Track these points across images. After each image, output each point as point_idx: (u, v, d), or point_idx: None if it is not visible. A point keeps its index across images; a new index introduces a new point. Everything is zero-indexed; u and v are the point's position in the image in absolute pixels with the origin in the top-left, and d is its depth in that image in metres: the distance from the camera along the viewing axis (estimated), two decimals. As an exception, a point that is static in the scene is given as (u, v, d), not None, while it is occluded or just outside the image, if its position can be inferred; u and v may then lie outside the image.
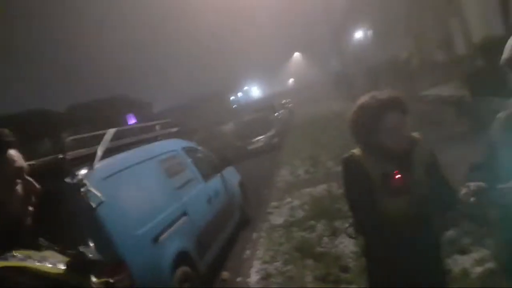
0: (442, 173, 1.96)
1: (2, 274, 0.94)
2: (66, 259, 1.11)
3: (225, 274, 4.93)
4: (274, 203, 7.34)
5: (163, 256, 3.75)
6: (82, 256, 1.13)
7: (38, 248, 1.09)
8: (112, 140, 3.94)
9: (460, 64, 12.01)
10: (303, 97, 38.86)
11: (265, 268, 4.64)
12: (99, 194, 3.34)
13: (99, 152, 3.66)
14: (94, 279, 1.16)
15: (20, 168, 1.09)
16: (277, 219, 6.35)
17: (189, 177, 5.15)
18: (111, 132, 3.98)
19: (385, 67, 17.31)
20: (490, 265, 3.31)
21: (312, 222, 5.62)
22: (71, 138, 3.60)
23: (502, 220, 1.59)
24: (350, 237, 2.07)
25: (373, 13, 21.86)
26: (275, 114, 19.49)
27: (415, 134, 1.96)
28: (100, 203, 3.31)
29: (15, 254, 1.00)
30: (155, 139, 5.33)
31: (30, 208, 1.11)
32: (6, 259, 0.97)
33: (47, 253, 1.10)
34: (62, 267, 1.08)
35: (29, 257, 1.02)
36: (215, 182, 5.82)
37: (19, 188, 1.08)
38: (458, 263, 3.50)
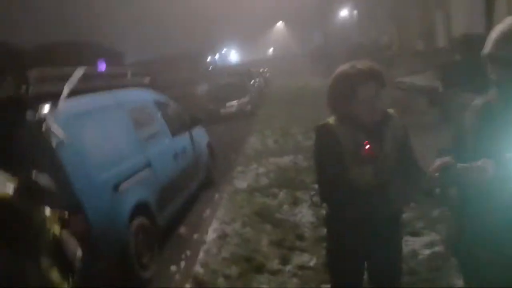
0: (412, 149, 2.01)
1: None
2: (16, 182, 1.04)
3: (182, 230, 4.95)
4: (240, 168, 7.37)
5: (122, 204, 3.69)
6: (35, 182, 1.06)
7: None
8: (80, 81, 3.75)
9: (438, 56, 12.25)
10: (281, 68, 38.58)
11: (223, 228, 4.68)
12: (61, 134, 3.20)
13: (66, 90, 3.48)
14: (47, 210, 1.10)
15: None
16: (241, 184, 6.39)
17: (157, 129, 5.04)
18: (80, 71, 3.79)
19: (365, 49, 17.40)
20: (438, 248, 3.47)
21: (275, 190, 5.69)
22: (37, 70, 3.40)
23: (457, 199, 1.64)
24: (315, 205, 2.09)
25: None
26: (251, 81, 19.32)
27: (390, 110, 1.99)
28: (61, 143, 3.18)
29: None
30: (126, 86, 5.14)
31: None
32: None
33: None
34: (11, 189, 1.01)
35: None
36: (183, 139, 5.74)
37: None
38: (408, 244, 3.64)
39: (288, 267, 3.60)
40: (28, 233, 1.02)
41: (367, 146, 1.78)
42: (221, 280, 3.57)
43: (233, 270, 3.69)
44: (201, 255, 4.11)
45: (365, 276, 2.11)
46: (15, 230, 0.99)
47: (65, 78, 3.60)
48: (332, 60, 17.86)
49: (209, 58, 36.54)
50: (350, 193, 1.83)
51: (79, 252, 1.17)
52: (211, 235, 4.56)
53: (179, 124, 5.87)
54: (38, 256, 1.04)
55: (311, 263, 3.60)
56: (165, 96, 6.14)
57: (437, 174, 1.53)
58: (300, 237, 4.11)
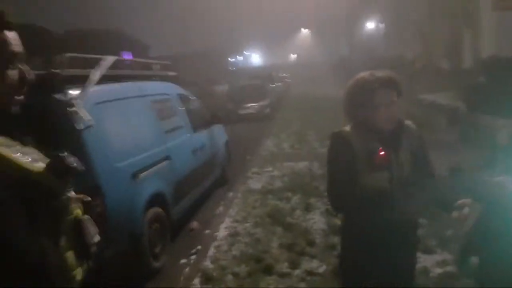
0: (429, 161, 2.00)
1: None
2: (46, 159, 1.07)
3: (194, 224, 4.99)
4: (255, 169, 7.39)
5: (140, 193, 3.75)
6: (65, 160, 1.08)
7: (21, 141, 1.04)
8: (109, 68, 3.83)
9: (463, 76, 12.08)
10: (303, 75, 38.51)
11: (234, 227, 4.71)
12: (87, 118, 3.27)
13: (95, 77, 3.56)
14: (72, 192, 1.11)
15: (15, 53, 1.01)
16: (255, 184, 6.41)
17: (179, 123, 5.10)
18: (110, 59, 3.87)
19: (390, 63, 17.25)
20: (450, 268, 3.43)
21: (289, 194, 5.69)
22: (69, 55, 3.49)
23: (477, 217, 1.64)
24: (330, 214, 2.09)
25: (388, 7, 21.56)
26: (272, 85, 19.35)
27: (408, 121, 2.00)
28: (87, 127, 3.26)
29: None
30: (151, 78, 5.22)
31: (20, 98, 1.04)
32: None
33: (29, 149, 1.06)
34: (41, 165, 1.03)
35: (11, 146, 0.99)
36: (203, 135, 5.80)
37: (11, 73, 1.01)
38: (420, 261, 3.60)
39: (297, 272, 3.60)
40: (52, 212, 1.04)
41: (381, 153, 1.79)
42: (229, 277, 3.59)
43: (242, 269, 3.71)
44: (211, 251, 4.15)
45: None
46: (40, 207, 1.01)
47: (94, 65, 3.69)
48: (355, 72, 17.75)
49: (232, 59, 36.79)
50: (362, 200, 1.83)
51: (96, 238, 1.18)
52: (222, 232, 4.59)
53: (200, 121, 5.93)
54: (58, 236, 1.06)
55: (320, 270, 3.59)
56: (189, 92, 6.21)
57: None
58: (311, 243, 4.11)
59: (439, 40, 16.16)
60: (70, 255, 1.07)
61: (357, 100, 1.90)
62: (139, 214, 3.66)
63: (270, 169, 7.38)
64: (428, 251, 3.76)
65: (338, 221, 2.15)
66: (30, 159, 1.01)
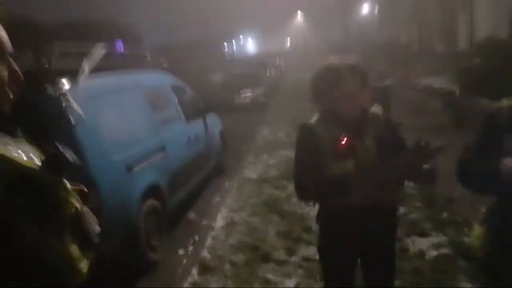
0: (403, 142, 2.01)
1: None
2: (42, 155, 1.06)
3: (191, 215, 5.01)
4: (250, 158, 7.41)
5: (135, 185, 3.74)
6: (61, 154, 1.07)
7: (14, 138, 1.03)
8: (100, 59, 3.79)
9: (458, 59, 12.04)
10: (297, 61, 38.35)
11: (231, 216, 4.73)
12: (80, 111, 3.25)
13: (86, 69, 3.53)
14: (68, 184, 1.11)
15: (5, 51, 0.98)
16: (251, 173, 6.43)
17: (172, 114, 5.08)
18: (101, 49, 3.82)
19: (384, 48, 17.16)
20: (445, 250, 3.47)
21: (284, 182, 5.71)
22: (60, 50, 3.45)
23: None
24: (308, 204, 2.10)
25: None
26: (267, 73, 19.26)
27: (374, 107, 2.01)
28: (79, 120, 3.24)
29: None
30: (144, 68, 5.18)
31: (10, 95, 1.02)
32: None
33: (23, 146, 1.05)
34: (38, 162, 1.03)
35: (7, 144, 0.97)
36: (197, 125, 5.78)
37: (2, 71, 0.98)
38: (416, 244, 3.66)
39: (294, 258, 3.63)
40: (53, 207, 1.04)
41: (345, 141, 1.80)
42: (227, 267, 3.62)
43: (240, 257, 3.74)
44: (208, 240, 4.17)
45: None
46: (40, 203, 1.01)
47: (86, 54, 3.64)
48: (349, 56, 17.67)
49: (226, 47, 36.51)
50: (330, 188, 1.84)
51: (97, 228, 1.19)
52: (219, 221, 4.61)
53: (194, 110, 5.90)
54: (62, 231, 1.06)
55: (317, 256, 3.60)
56: (182, 81, 6.17)
57: None
58: (307, 230, 4.14)
59: (434, 23, 16.05)
60: (74, 249, 1.07)
61: (322, 87, 1.92)
62: (134, 207, 3.66)
63: (266, 157, 7.40)
64: (424, 234, 3.81)
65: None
66: (26, 156, 1.00)
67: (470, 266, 3.13)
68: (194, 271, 3.61)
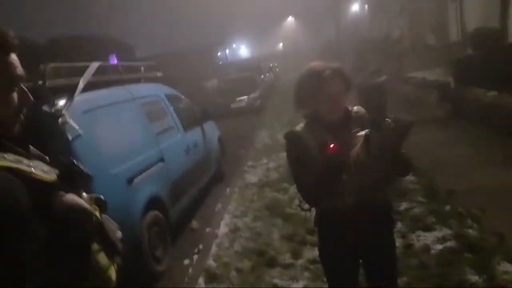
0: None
1: None
2: (55, 169, 1.09)
3: (194, 224, 5.00)
4: (250, 163, 7.40)
5: (136, 198, 3.74)
6: (75, 166, 1.12)
7: (28, 157, 1.07)
8: (95, 74, 3.80)
9: (450, 50, 12.09)
10: (291, 63, 38.46)
11: (234, 222, 4.72)
12: (77, 127, 3.25)
13: (81, 84, 3.53)
14: (84, 194, 1.15)
15: (20, 76, 1.05)
16: (252, 178, 6.42)
17: (170, 124, 5.08)
18: (94, 65, 3.84)
19: (376, 43, 17.21)
20: (450, 243, 3.46)
21: (285, 185, 5.70)
22: (53, 65, 3.44)
23: None
24: (303, 210, 2.10)
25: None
26: (261, 76, 19.29)
27: (357, 107, 2.03)
28: (77, 136, 3.23)
29: (6, 156, 0.98)
30: (139, 80, 5.18)
31: (21, 117, 1.08)
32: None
33: (37, 162, 1.08)
34: (54, 175, 1.06)
35: (20, 162, 1.01)
36: (194, 133, 5.78)
37: (14, 95, 1.05)
38: (420, 239, 3.65)
39: (300, 261, 3.62)
40: (75, 218, 1.07)
41: (332, 145, 1.80)
42: (233, 274, 3.61)
43: (245, 264, 3.73)
44: (213, 248, 4.16)
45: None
46: (64, 216, 1.05)
47: (80, 72, 3.65)
48: (341, 55, 17.74)
49: (219, 53, 36.56)
50: (325, 190, 1.84)
51: (119, 233, 1.23)
52: (223, 229, 4.60)
53: (191, 119, 5.91)
54: (88, 242, 1.10)
55: (322, 258, 3.61)
56: (177, 91, 6.18)
57: None
58: (311, 232, 4.11)
59: (424, 16, 16.12)
60: (102, 257, 1.10)
61: (307, 91, 1.94)
62: (137, 219, 3.65)
63: (265, 161, 7.39)
64: (428, 228, 3.79)
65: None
66: (41, 171, 1.04)
67: (476, 258, 3.13)
68: (201, 280, 3.60)
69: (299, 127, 1.98)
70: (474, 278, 2.93)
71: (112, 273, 1.16)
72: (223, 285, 3.46)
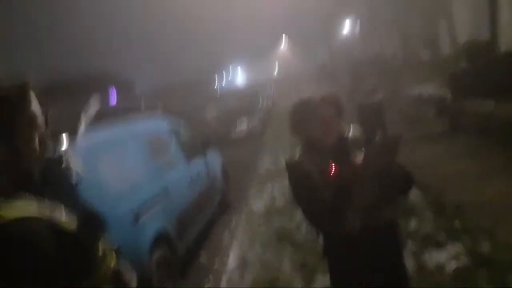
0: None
1: (26, 224, 0.95)
2: (72, 215, 1.11)
3: (203, 258, 4.93)
4: (254, 190, 7.37)
5: (143, 236, 3.70)
6: (96, 215, 1.15)
7: (47, 203, 1.10)
8: (96, 113, 3.84)
9: (444, 64, 12.23)
10: (287, 88, 38.88)
11: (243, 253, 4.65)
12: (80, 168, 3.25)
13: (82, 127, 3.56)
14: (101, 240, 1.17)
15: (41, 123, 1.13)
16: (258, 205, 6.38)
17: (172, 157, 5.09)
18: (96, 106, 3.88)
19: (370, 62, 17.43)
20: (465, 260, 3.40)
21: (292, 211, 5.65)
22: (54, 109, 3.49)
23: None
24: (312, 237, 2.09)
25: (361, 8, 21.95)
26: (259, 103, 19.46)
27: (352, 130, 2.07)
28: (81, 178, 3.23)
29: (31, 203, 1.02)
30: (140, 116, 5.23)
31: (41, 158, 1.16)
32: (22, 207, 0.99)
33: (56, 209, 1.10)
34: (73, 222, 1.08)
35: (43, 209, 1.04)
36: (197, 164, 5.78)
37: (37, 141, 1.12)
38: (433, 257, 3.59)
39: (313, 288, 3.55)
40: (93, 263, 1.09)
41: (330, 170, 1.82)
42: (246, 306, 3.54)
43: (257, 295, 3.66)
44: (223, 282, 4.09)
45: None
46: (81, 261, 1.06)
47: (80, 111, 3.69)
48: (335, 77, 17.96)
49: (216, 82, 37.06)
50: (338, 221, 1.83)
51: (134, 283, 1.24)
52: (232, 261, 4.53)
53: (193, 150, 5.92)
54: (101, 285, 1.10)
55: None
56: (177, 123, 6.23)
57: None
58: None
59: (415, 32, 16.41)
60: None
61: (296, 119, 2.01)
62: (145, 257, 3.60)
63: (270, 187, 7.35)
64: (439, 245, 3.73)
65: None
66: (62, 218, 1.07)
67: (491, 274, 3.07)
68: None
69: (298, 154, 2.00)
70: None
71: None
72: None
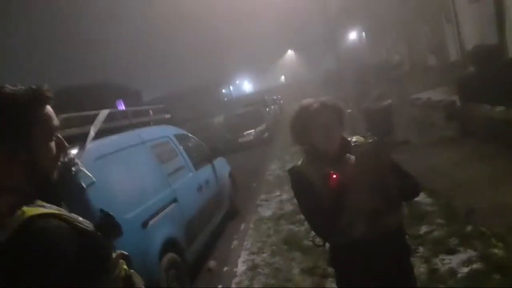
0: (395, 165, 1.97)
1: (48, 219, 0.97)
2: (87, 220, 1.12)
3: (212, 263, 4.91)
4: (263, 196, 7.35)
5: (151, 241, 3.70)
6: (113, 221, 1.16)
7: (59, 204, 1.11)
8: (105, 121, 3.88)
9: (451, 69, 12.16)
10: (293, 95, 38.97)
11: (252, 259, 4.63)
12: (90, 175, 3.28)
13: (92, 132, 3.60)
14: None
15: (56, 126, 1.13)
16: (266, 211, 6.36)
17: (180, 164, 5.11)
18: (104, 113, 3.92)
19: (377, 69, 17.41)
20: (477, 265, 3.35)
21: (301, 216, 5.61)
22: (64, 116, 3.52)
23: None
24: (318, 245, 2.07)
25: (367, 16, 21.99)
26: (266, 109, 19.51)
27: (356, 137, 2.03)
28: (91, 184, 3.26)
29: (49, 206, 1.03)
30: (148, 124, 5.27)
31: (59, 163, 1.15)
32: (45, 207, 1.00)
33: (67, 211, 1.11)
34: (90, 225, 1.09)
35: (60, 210, 1.04)
36: (205, 171, 5.79)
37: (53, 145, 1.11)
38: (445, 262, 3.54)
39: (323, 295, 3.52)
40: (106, 269, 1.10)
41: (334, 177, 1.79)
42: (255, 313, 3.51)
43: (267, 302, 3.63)
44: (233, 287, 4.07)
45: None
46: (98, 261, 1.05)
47: (90, 121, 3.73)
48: (341, 83, 17.94)
49: (223, 90, 37.25)
50: (343, 228, 1.82)
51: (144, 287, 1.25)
52: (241, 267, 4.52)
53: (201, 157, 5.94)
54: None
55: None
56: (185, 131, 6.25)
57: None
58: (332, 263, 4.03)
59: (422, 38, 16.36)
60: None
61: (297, 127, 1.99)
62: (154, 263, 3.60)
63: (278, 193, 7.34)
64: (451, 251, 3.68)
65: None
66: (78, 216, 1.08)
67: (506, 279, 3.01)
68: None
69: (301, 161, 2.00)
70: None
71: None
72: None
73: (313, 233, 2.01)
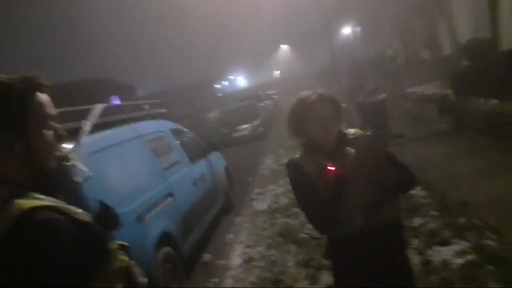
0: (392, 158, 1.99)
1: (44, 211, 0.96)
2: (85, 212, 1.12)
3: (207, 257, 4.93)
4: (258, 190, 7.37)
5: (147, 235, 3.71)
6: (112, 212, 1.16)
7: (57, 196, 1.11)
8: (100, 116, 3.86)
9: (445, 63, 12.21)
10: (289, 89, 38.96)
11: (248, 252, 4.65)
12: (84, 170, 3.26)
13: (87, 127, 3.58)
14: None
15: (52, 115, 1.11)
16: (261, 205, 6.38)
17: (176, 158, 5.10)
18: (99, 107, 3.90)
19: (371, 63, 17.46)
20: (470, 257, 3.39)
21: (296, 209, 5.64)
22: (59, 110, 3.50)
23: None
24: (314, 238, 2.07)
25: (361, 10, 21.97)
26: (261, 104, 19.50)
27: (353, 129, 2.04)
28: (87, 178, 3.25)
29: (45, 197, 1.02)
30: (143, 118, 5.25)
31: (56, 154, 1.14)
32: (40, 199, 0.99)
33: (70, 205, 1.10)
34: (88, 217, 1.08)
35: (58, 203, 1.04)
36: (201, 165, 5.79)
37: (48, 133, 1.09)
38: (439, 254, 3.57)
39: (318, 287, 3.54)
40: (106, 260, 1.10)
41: (331, 169, 1.80)
42: (251, 305, 3.53)
43: (262, 294, 3.65)
44: (228, 281, 4.09)
45: None
46: (97, 252, 1.04)
47: (85, 115, 3.71)
48: (336, 78, 17.97)
49: (218, 86, 37.17)
50: (333, 216, 1.81)
51: (144, 279, 1.25)
52: (236, 260, 4.54)
53: (196, 151, 5.94)
54: (115, 283, 1.09)
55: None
56: (181, 125, 6.24)
57: None
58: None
59: (416, 32, 16.40)
60: None
61: (294, 119, 1.98)
62: (149, 257, 3.61)
63: (273, 187, 7.36)
64: (445, 242, 3.72)
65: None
66: (76, 208, 1.08)
67: (499, 270, 3.05)
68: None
69: (298, 154, 1.99)
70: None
71: None
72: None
73: (309, 226, 2.01)
